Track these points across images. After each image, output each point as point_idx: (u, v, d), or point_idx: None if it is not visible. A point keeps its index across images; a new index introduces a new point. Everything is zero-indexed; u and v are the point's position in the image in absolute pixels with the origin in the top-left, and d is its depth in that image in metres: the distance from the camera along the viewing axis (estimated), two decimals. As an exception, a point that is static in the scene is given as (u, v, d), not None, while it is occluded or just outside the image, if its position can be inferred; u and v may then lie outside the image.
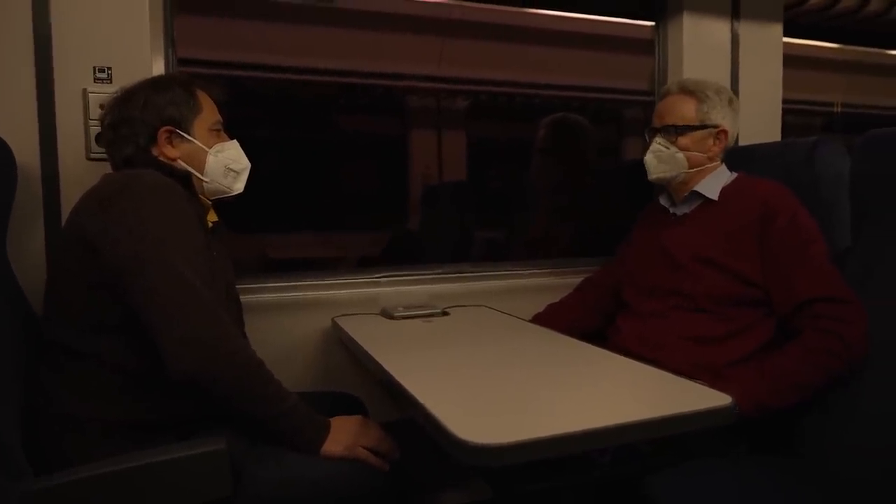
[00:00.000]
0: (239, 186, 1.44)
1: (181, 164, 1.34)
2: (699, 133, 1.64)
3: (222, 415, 1.17)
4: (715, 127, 1.64)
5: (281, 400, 1.16)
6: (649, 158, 1.68)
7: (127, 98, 1.32)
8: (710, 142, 1.65)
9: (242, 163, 1.43)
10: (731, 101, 1.68)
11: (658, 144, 1.66)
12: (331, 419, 1.21)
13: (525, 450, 0.88)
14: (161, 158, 1.32)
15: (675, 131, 1.64)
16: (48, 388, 1.17)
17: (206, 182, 1.38)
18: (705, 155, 1.65)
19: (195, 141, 1.35)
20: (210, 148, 1.37)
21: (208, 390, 1.10)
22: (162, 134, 1.32)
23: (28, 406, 1.16)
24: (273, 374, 1.17)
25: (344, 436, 1.19)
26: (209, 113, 1.38)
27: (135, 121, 1.30)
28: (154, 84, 1.35)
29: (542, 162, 2.46)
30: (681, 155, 1.63)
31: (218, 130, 1.41)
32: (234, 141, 1.43)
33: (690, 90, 1.66)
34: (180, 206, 1.22)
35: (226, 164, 1.39)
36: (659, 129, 1.68)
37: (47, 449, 1.13)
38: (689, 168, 1.64)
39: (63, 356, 1.18)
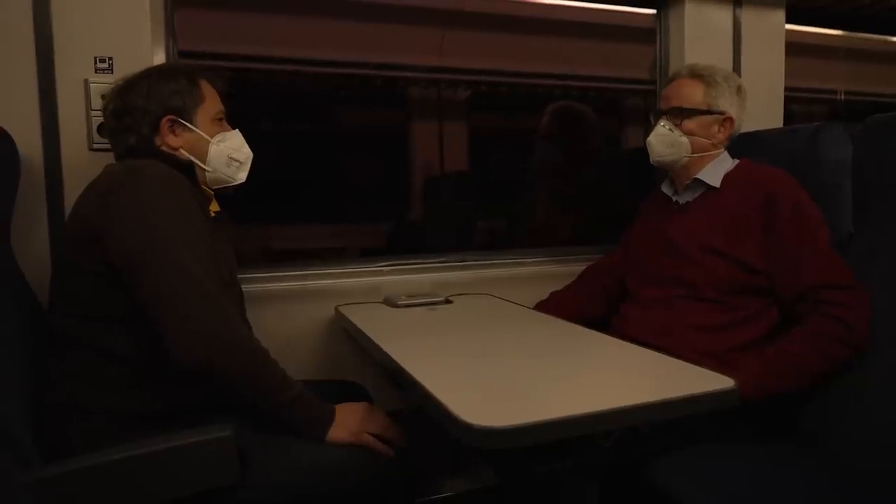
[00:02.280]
0: (241, 176, 1.43)
1: (184, 153, 1.34)
2: (705, 118, 1.63)
3: (229, 403, 1.17)
4: (721, 113, 1.63)
5: (286, 388, 1.16)
6: (652, 140, 1.66)
7: (130, 87, 1.31)
8: (716, 128, 1.64)
9: (245, 152, 1.43)
10: (739, 90, 1.67)
11: (662, 127, 1.65)
12: (336, 405, 1.22)
13: (530, 432, 0.88)
14: (164, 148, 1.32)
15: (680, 114, 1.63)
16: (54, 379, 1.18)
17: (208, 172, 1.37)
18: (709, 141, 1.63)
19: (197, 130, 1.35)
20: (212, 137, 1.37)
21: (214, 381, 1.10)
22: (164, 123, 1.31)
23: (35, 396, 1.16)
24: (278, 364, 1.17)
25: (350, 422, 1.20)
26: (212, 102, 1.38)
27: (138, 109, 1.29)
28: (157, 73, 1.35)
29: (546, 149, 2.45)
30: (685, 139, 1.62)
31: (220, 120, 1.40)
32: (237, 130, 1.43)
33: (700, 74, 1.65)
34: (184, 197, 1.22)
35: (228, 154, 1.39)
36: (665, 111, 1.66)
37: (55, 439, 1.13)
38: (692, 153, 1.63)
39: (68, 346, 1.18)
